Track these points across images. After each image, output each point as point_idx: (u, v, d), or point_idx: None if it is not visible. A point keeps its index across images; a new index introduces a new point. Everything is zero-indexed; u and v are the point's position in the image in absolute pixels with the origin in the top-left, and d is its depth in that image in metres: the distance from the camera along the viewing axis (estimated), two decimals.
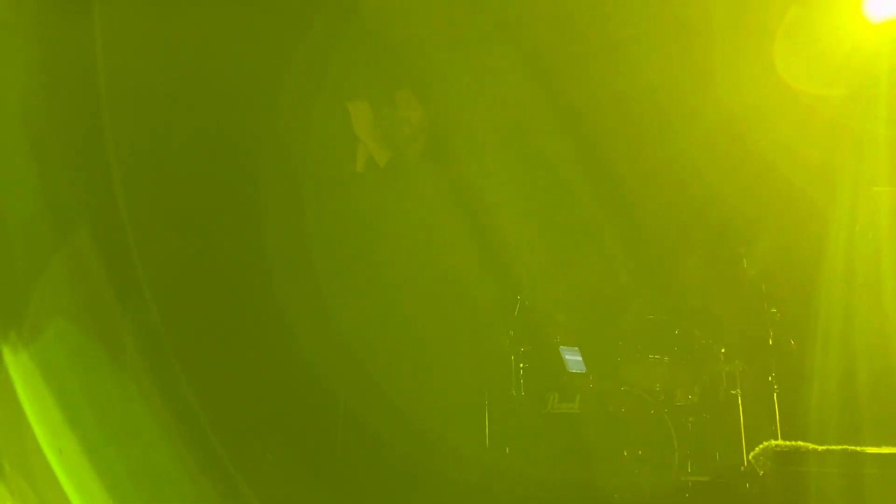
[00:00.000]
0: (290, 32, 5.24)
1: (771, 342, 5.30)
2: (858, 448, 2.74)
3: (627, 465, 5.35)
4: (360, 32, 5.12)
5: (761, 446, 2.96)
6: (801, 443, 2.91)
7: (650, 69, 5.91)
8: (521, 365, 5.76)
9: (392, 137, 3.79)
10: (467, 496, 5.16)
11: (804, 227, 5.48)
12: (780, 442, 2.93)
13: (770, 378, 5.32)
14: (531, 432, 5.60)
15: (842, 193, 4.96)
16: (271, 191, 4.97)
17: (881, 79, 4.95)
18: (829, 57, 5.16)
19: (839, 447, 2.78)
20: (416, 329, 5.36)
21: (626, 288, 6.06)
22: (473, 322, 5.65)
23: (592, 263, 6.12)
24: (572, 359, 5.88)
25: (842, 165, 5.12)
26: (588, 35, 6.03)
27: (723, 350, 5.53)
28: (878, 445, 2.74)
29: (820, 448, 2.82)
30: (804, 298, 5.21)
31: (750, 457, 2.97)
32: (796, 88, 5.31)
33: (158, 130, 4.83)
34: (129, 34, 4.99)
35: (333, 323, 5.06)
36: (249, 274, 5.15)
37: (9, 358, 3.40)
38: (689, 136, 5.77)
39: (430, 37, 5.29)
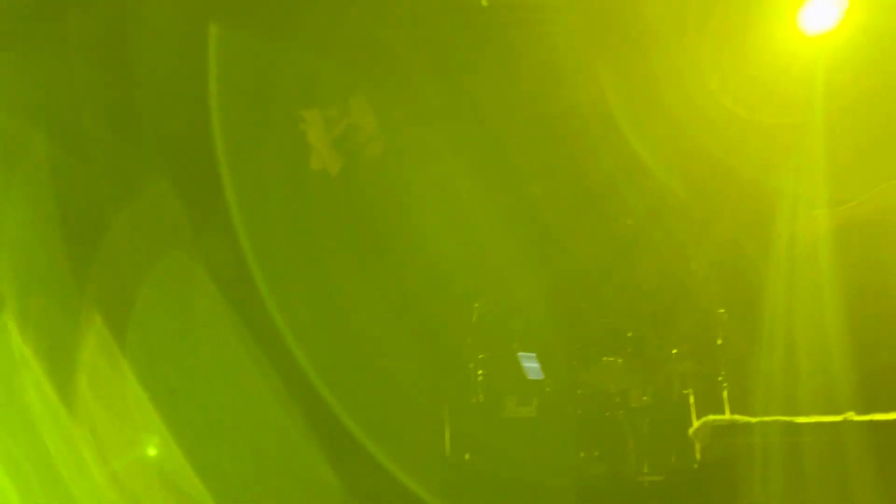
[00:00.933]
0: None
1: (720, 342, 5.43)
2: (785, 419, 2.87)
3: (584, 466, 5.43)
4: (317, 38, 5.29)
5: (700, 421, 3.08)
6: (737, 416, 3.04)
7: (602, 83, 6.12)
8: (480, 372, 5.83)
9: (345, 144, 3.87)
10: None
11: (750, 228, 5.65)
12: (717, 417, 3.06)
13: (720, 377, 5.44)
14: (490, 437, 5.66)
15: (782, 201, 5.15)
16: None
17: (816, 88, 5.15)
18: (766, 70, 5.38)
19: (770, 418, 2.92)
20: (371, 339, 5.42)
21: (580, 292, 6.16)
22: (430, 331, 5.73)
23: (548, 269, 6.22)
24: (529, 364, 5.97)
25: (782, 174, 5.32)
26: (552, 50, 6.21)
27: (674, 351, 5.64)
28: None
29: (753, 420, 2.95)
30: (750, 299, 5.37)
31: (690, 432, 3.08)
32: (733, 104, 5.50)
33: None
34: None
35: (289, 333, 5.11)
36: None
37: None
38: (639, 146, 5.95)
39: (393, 41, 5.46)
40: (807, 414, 3.01)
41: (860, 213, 4.09)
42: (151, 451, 5.01)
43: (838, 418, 2.79)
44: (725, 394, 5.39)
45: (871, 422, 2.73)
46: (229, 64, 5.24)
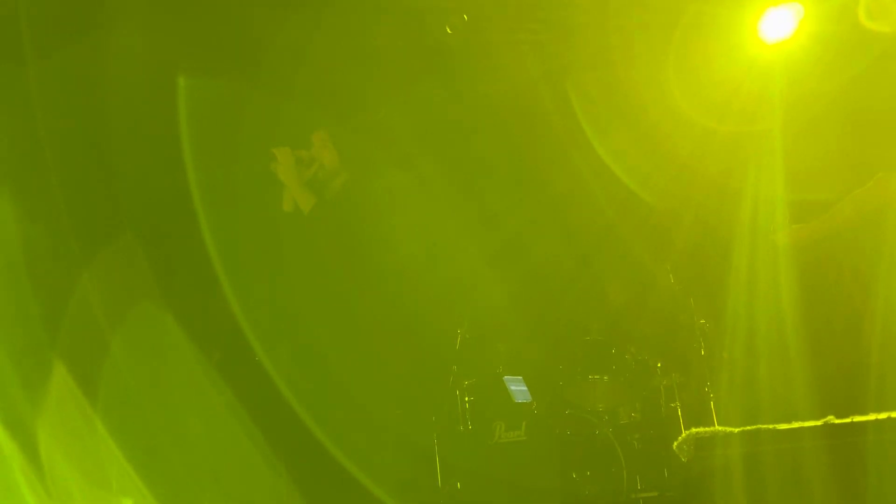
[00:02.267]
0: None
1: (703, 353, 5.44)
2: (767, 426, 2.88)
3: (577, 487, 5.40)
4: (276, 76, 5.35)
5: (683, 434, 3.08)
6: (719, 427, 3.04)
7: (567, 95, 6.22)
8: (467, 398, 5.80)
9: (310, 180, 3.89)
10: None
11: (715, 235, 5.72)
12: (700, 429, 3.06)
13: (706, 388, 5.45)
14: (481, 464, 5.62)
15: (745, 206, 5.22)
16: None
17: (775, 94, 5.26)
18: (726, 75, 5.49)
19: (752, 427, 2.92)
20: (355, 374, 5.39)
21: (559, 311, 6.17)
22: (416, 360, 5.70)
23: (525, 290, 6.24)
24: (515, 387, 5.95)
25: (744, 180, 5.40)
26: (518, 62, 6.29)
27: (659, 364, 5.66)
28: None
29: (735, 430, 2.95)
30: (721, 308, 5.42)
31: (674, 446, 3.08)
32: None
33: None
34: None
35: (274, 363, 5.07)
36: None
37: None
38: (605, 156, 6.01)
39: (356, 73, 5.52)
40: (777, 421, 3.03)
41: (829, 227, 4.16)
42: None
43: (818, 422, 2.79)
44: (713, 404, 5.39)
45: (851, 423, 2.74)
46: (195, 107, 5.28)
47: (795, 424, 2.85)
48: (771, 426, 2.87)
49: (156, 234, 5.56)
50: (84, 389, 4.87)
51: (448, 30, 5.74)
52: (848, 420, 2.79)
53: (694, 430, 3.04)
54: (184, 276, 5.68)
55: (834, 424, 2.79)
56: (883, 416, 2.72)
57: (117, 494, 4.74)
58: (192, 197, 5.59)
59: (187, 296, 5.64)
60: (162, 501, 4.73)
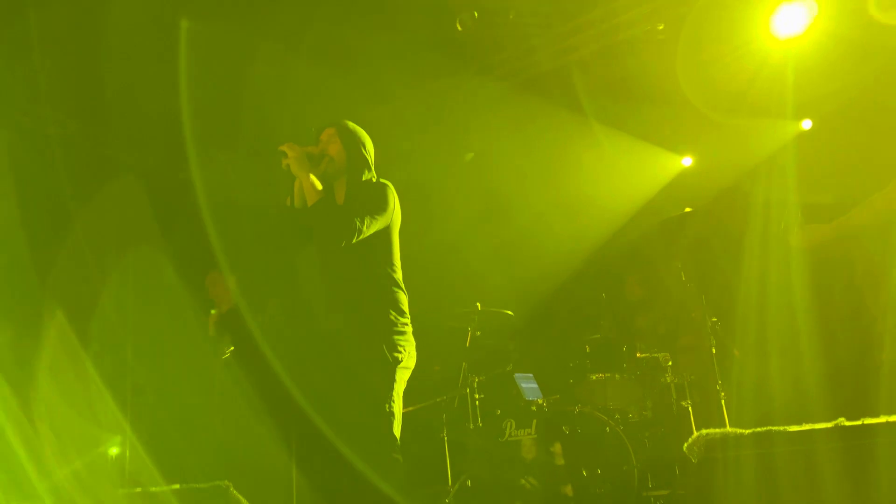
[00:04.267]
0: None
1: (714, 351, 5.41)
2: (778, 428, 2.86)
3: (588, 485, 5.38)
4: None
5: (693, 436, 3.07)
6: (729, 429, 3.03)
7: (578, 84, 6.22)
8: (477, 396, 5.80)
9: (322, 174, 3.88)
10: None
11: (725, 232, 5.69)
12: (710, 430, 3.05)
13: (717, 386, 5.42)
14: (491, 462, 5.63)
15: (755, 206, 5.19)
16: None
17: (787, 88, 5.23)
18: (740, 69, 5.46)
19: (763, 429, 2.90)
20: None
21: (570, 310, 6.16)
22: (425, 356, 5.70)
23: (536, 288, 6.24)
24: (526, 385, 5.95)
25: (756, 178, 5.38)
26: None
27: (670, 363, 5.63)
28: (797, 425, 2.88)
29: (746, 432, 2.94)
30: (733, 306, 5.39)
31: (684, 447, 3.07)
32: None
33: None
34: None
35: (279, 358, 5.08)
36: None
37: None
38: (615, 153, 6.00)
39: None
40: (787, 418, 3.02)
41: (844, 230, 4.11)
42: (114, 451, 4.97)
43: (829, 425, 2.78)
44: (724, 402, 5.37)
45: (862, 426, 2.72)
46: (201, 59, 5.32)
47: (806, 427, 2.83)
48: (781, 428, 2.86)
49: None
50: (76, 330, 4.93)
51: (458, 26, 5.73)
52: (859, 423, 2.77)
53: (704, 431, 3.03)
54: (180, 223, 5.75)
55: (845, 427, 2.78)
56: (893, 418, 2.70)
57: (103, 430, 4.79)
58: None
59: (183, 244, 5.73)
60: (147, 441, 4.77)
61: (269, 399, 5.52)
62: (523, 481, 5.41)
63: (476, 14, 5.68)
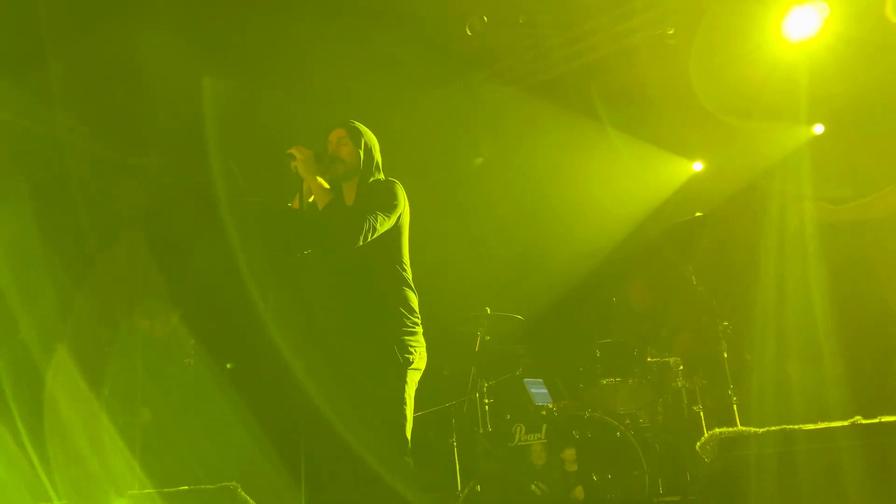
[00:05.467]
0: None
1: (726, 355, 5.37)
2: (792, 427, 2.83)
3: (598, 490, 5.34)
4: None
5: (706, 435, 3.04)
6: (743, 427, 2.99)
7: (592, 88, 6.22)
8: (486, 401, 5.77)
9: (329, 177, 3.87)
10: None
11: (742, 232, 5.66)
12: (724, 429, 3.01)
13: (729, 391, 5.37)
14: (501, 467, 5.59)
15: (771, 207, 5.16)
16: None
17: (799, 91, 5.21)
18: (752, 72, 5.44)
19: (777, 427, 2.87)
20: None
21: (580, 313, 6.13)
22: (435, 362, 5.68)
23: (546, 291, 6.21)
24: (536, 390, 5.92)
25: (769, 179, 5.35)
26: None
27: (681, 367, 5.59)
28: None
29: (760, 430, 2.90)
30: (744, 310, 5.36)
31: (697, 446, 3.03)
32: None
33: None
34: None
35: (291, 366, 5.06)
36: None
37: None
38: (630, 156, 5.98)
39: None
40: (804, 421, 2.98)
41: (861, 214, 4.04)
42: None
43: (846, 423, 2.74)
44: (735, 406, 5.32)
45: (879, 424, 2.68)
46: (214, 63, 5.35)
47: (822, 425, 2.80)
48: (797, 427, 2.83)
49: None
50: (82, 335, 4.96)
51: (468, 31, 5.73)
52: (876, 420, 2.73)
53: (718, 430, 3.00)
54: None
55: (861, 425, 2.74)
56: None
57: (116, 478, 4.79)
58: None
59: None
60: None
61: (278, 400, 5.51)
62: (533, 486, 5.37)
63: (485, 19, 5.69)
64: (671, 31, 5.59)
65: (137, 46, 5.33)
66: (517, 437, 5.61)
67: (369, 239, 3.60)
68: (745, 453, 2.87)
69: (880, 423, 2.68)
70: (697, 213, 5.58)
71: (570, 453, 5.39)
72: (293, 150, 3.74)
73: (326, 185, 3.76)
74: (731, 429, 2.99)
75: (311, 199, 3.82)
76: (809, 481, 2.76)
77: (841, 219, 3.97)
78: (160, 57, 5.46)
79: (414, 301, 3.77)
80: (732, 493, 2.97)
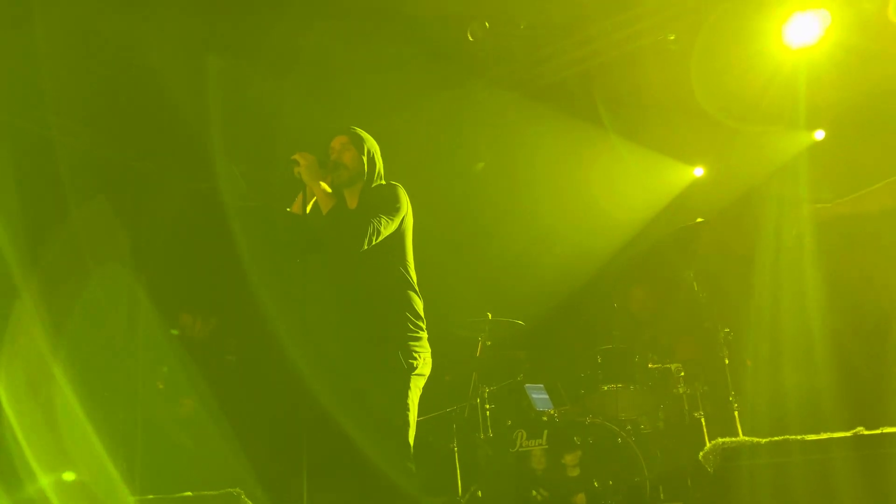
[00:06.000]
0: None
1: (727, 362, 5.37)
2: (795, 437, 2.84)
3: (599, 497, 5.34)
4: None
5: (709, 444, 3.04)
6: (745, 438, 3.00)
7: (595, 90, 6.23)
8: (488, 406, 5.77)
9: (332, 183, 3.88)
10: None
11: (743, 245, 5.67)
12: (727, 439, 3.02)
13: (730, 397, 5.38)
14: (501, 473, 5.59)
15: (769, 212, 5.17)
16: None
17: (800, 97, 5.23)
18: (753, 78, 5.45)
19: (779, 438, 2.88)
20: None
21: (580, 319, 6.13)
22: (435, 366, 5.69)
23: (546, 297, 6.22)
24: (537, 395, 5.92)
25: (769, 186, 5.36)
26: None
27: (682, 373, 5.60)
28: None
29: (763, 441, 2.91)
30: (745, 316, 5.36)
31: (700, 456, 3.04)
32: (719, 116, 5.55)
33: None
34: None
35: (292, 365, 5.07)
36: None
37: None
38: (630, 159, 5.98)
39: None
40: (803, 431, 2.99)
41: (858, 208, 4.01)
42: (69, 476, 4.96)
43: (848, 434, 2.75)
44: (737, 413, 5.33)
45: (880, 435, 2.69)
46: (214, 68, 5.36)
47: (824, 435, 2.81)
48: (798, 437, 2.83)
49: None
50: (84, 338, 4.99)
51: (470, 37, 5.74)
52: (878, 432, 2.74)
53: (720, 440, 3.01)
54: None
55: (863, 436, 2.75)
56: None
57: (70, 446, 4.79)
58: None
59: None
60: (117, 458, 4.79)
61: (281, 405, 5.52)
62: (534, 492, 5.38)
63: (487, 24, 5.69)
64: (672, 37, 5.59)
65: (140, 48, 5.34)
66: (518, 443, 5.61)
67: (373, 242, 3.61)
68: (747, 463, 2.88)
69: (882, 434, 2.70)
70: (698, 219, 5.59)
71: (571, 459, 5.38)
72: (297, 157, 3.76)
73: (329, 190, 3.77)
74: (733, 439, 3.00)
75: (311, 203, 3.83)
76: (811, 492, 2.77)
77: (836, 214, 3.95)
78: (164, 60, 5.47)
79: (419, 305, 3.77)
80: (734, 503, 2.98)
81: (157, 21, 5.22)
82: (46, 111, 5.77)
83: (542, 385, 6.02)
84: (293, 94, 5.93)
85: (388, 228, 3.66)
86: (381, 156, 4.00)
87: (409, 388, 3.61)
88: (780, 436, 2.90)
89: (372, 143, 3.96)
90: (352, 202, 3.88)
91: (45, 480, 4.46)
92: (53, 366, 5.17)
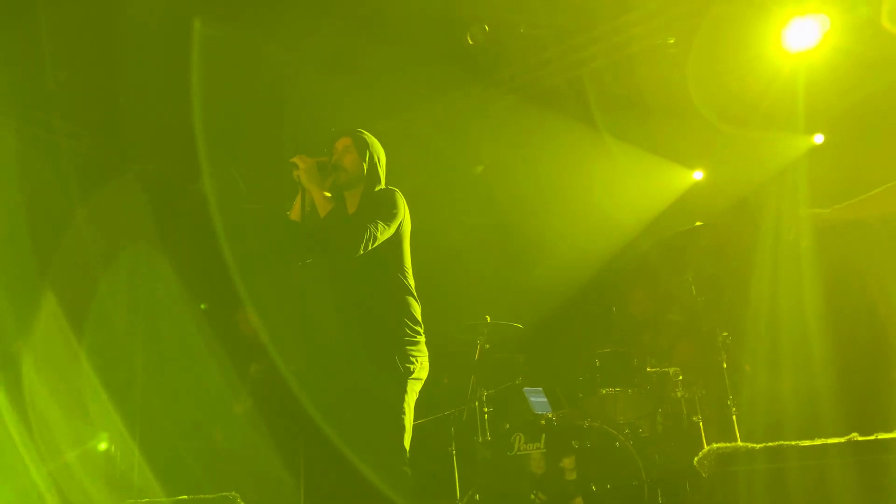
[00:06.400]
0: None
1: (725, 366, 5.37)
2: (790, 443, 2.84)
3: (597, 500, 5.34)
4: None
5: (704, 450, 3.04)
6: (740, 443, 3.00)
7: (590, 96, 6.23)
8: (486, 410, 5.77)
9: (331, 185, 3.88)
10: None
11: (742, 249, 5.67)
12: (722, 444, 3.02)
13: (728, 401, 5.37)
14: (500, 476, 5.59)
15: (768, 216, 5.17)
16: None
17: (798, 102, 5.23)
18: (752, 82, 5.45)
19: (774, 443, 2.88)
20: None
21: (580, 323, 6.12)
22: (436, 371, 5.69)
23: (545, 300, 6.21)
24: (535, 399, 5.91)
25: (766, 191, 5.35)
26: None
27: (680, 377, 5.59)
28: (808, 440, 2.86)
29: (758, 446, 2.91)
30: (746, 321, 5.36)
31: (695, 461, 3.04)
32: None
33: None
34: None
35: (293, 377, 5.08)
36: None
37: None
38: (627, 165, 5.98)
39: None
40: (800, 436, 2.98)
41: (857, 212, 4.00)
42: (103, 445, 4.98)
43: (843, 440, 2.74)
44: (735, 418, 5.32)
45: (875, 441, 2.69)
46: (213, 70, 5.37)
47: (819, 441, 2.81)
48: (794, 443, 2.83)
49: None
50: (72, 323, 4.96)
51: (470, 40, 5.74)
52: (872, 437, 2.74)
53: (716, 445, 3.01)
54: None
55: (858, 442, 2.74)
56: None
57: (95, 427, 4.80)
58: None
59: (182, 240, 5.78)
60: (137, 436, 4.77)
61: (278, 408, 5.52)
62: (532, 496, 5.37)
63: (486, 27, 5.69)
64: (672, 41, 5.59)
65: (134, 55, 5.36)
66: (516, 447, 5.60)
67: (370, 248, 3.61)
68: (744, 468, 2.88)
69: (877, 440, 2.69)
70: (697, 223, 5.59)
71: (569, 463, 5.38)
72: (296, 160, 3.75)
73: (328, 194, 3.77)
74: (729, 444, 2.99)
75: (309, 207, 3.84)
76: (807, 497, 2.77)
77: (836, 219, 3.94)
78: (160, 61, 5.49)
79: (416, 310, 3.77)
80: None
81: (158, 24, 5.24)
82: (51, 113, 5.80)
83: (540, 388, 6.01)
84: (295, 95, 5.93)
85: (384, 234, 3.67)
86: (385, 159, 4.00)
87: (406, 391, 3.61)
88: (778, 441, 2.89)
89: (376, 147, 3.95)
90: (351, 205, 3.88)
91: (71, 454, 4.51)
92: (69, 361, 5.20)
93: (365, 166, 3.87)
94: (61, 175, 5.79)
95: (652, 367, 5.72)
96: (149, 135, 6.27)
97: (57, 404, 4.89)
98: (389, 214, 3.72)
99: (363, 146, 3.91)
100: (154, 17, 5.14)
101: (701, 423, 5.44)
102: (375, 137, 4.01)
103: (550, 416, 5.72)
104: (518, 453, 5.57)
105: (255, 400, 5.93)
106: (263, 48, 5.69)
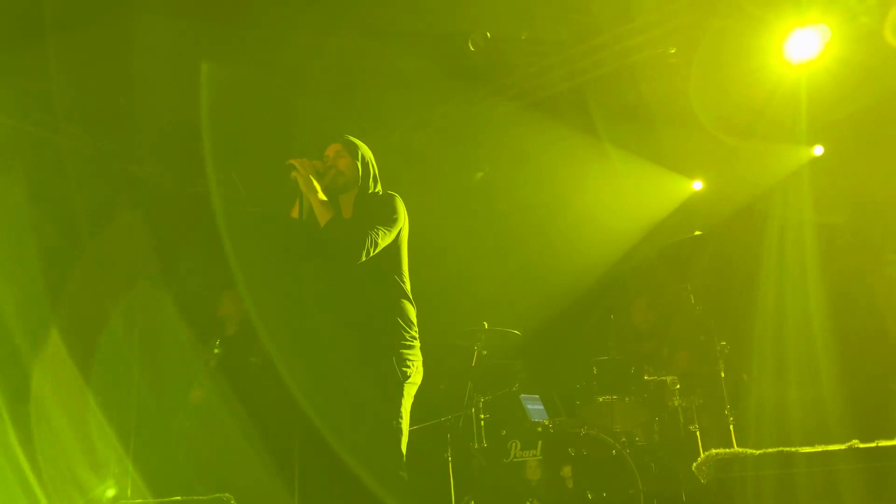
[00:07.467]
0: None
1: (723, 375, 5.36)
2: (789, 449, 2.83)
3: None
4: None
5: (703, 455, 3.03)
6: (739, 449, 2.99)
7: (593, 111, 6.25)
8: (482, 416, 5.75)
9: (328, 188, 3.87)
10: None
11: (741, 259, 5.67)
12: (720, 450, 3.01)
13: (725, 411, 5.36)
14: (495, 483, 5.57)
15: (770, 225, 5.17)
16: None
17: (800, 112, 5.24)
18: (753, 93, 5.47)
19: (773, 450, 2.87)
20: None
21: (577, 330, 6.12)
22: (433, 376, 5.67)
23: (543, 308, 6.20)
24: (532, 406, 5.90)
25: (769, 201, 5.36)
26: None
27: (678, 386, 5.59)
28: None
29: (756, 452, 2.90)
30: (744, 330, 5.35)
31: (693, 467, 3.03)
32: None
33: None
34: None
35: (288, 379, 5.05)
36: None
37: None
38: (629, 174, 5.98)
39: None
40: (801, 442, 2.97)
41: None
42: (111, 491, 4.95)
43: (842, 447, 2.74)
44: (732, 426, 5.31)
45: (875, 448, 2.68)
46: (217, 75, 5.37)
47: (817, 448, 2.80)
48: (792, 449, 2.82)
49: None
50: (72, 323, 4.96)
51: (471, 47, 5.75)
52: (872, 445, 2.73)
53: (714, 451, 3.00)
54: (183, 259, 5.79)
55: (859, 448, 2.73)
56: None
57: (102, 467, 4.79)
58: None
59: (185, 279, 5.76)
60: (145, 479, 4.76)
61: (273, 411, 5.49)
62: (528, 503, 5.35)
63: (488, 35, 5.70)
64: (673, 51, 5.60)
65: (139, 52, 5.36)
66: (512, 453, 5.59)
67: (371, 254, 3.61)
68: (741, 475, 2.87)
69: (877, 447, 2.68)
70: (697, 232, 5.59)
71: (565, 470, 5.36)
72: (294, 162, 3.75)
73: (325, 198, 3.76)
74: (726, 450, 2.98)
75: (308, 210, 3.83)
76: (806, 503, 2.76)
77: None
78: (163, 64, 5.49)
79: (412, 314, 3.77)
80: None
81: (159, 25, 5.24)
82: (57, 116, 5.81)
83: (537, 395, 6.00)
84: (298, 104, 5.93)
85: (385, 240, 3.67)
86: (382, 164, 4.00)
87: (402, 395, 3.60)
88: (779, 447, 2.89)
89: (365, 150, 3.96)
90: (346, 209, 3.87)
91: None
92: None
93: (359, 168, 3.88)
94: (63, 176, 5.79)
95: (649, 376, 5.72)
96: (149, 136, 6.27)
97: (54, 404, 4.88)
98: (390, 220, 3.72)
99: (354, 149, 3.91)
100: (157, 19, 5.15)
101: (698, 432, 5.44)
102: (375, 145, 4.02)
103: (547, 423, 5.71)
104: (514, 460, 5.56)
105: (215, 384, 5.89)
106: (267, 59, 5.70)
